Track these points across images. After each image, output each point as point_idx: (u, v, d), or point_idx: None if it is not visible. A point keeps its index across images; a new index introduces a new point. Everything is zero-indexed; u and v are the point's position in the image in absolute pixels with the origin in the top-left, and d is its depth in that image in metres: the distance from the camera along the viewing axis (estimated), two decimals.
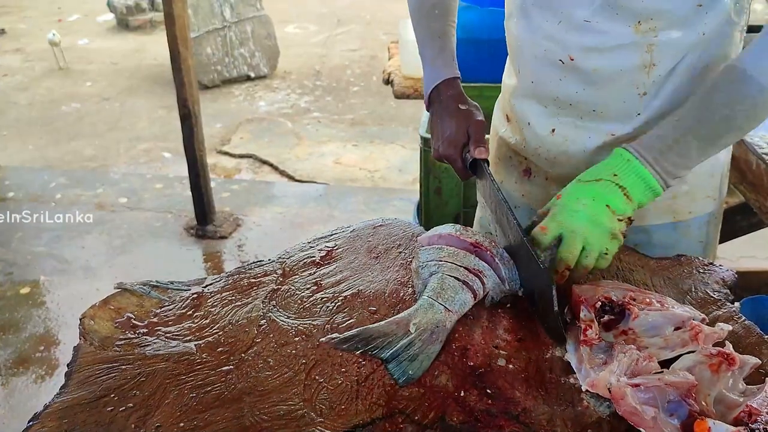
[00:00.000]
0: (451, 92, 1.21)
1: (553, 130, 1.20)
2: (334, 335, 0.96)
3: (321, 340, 0.96)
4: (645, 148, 1.01)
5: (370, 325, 0.96)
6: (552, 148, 1.21)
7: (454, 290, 0.99)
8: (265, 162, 4.71)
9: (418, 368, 0.90)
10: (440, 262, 1.03)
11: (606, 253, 1.01)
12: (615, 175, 1.00)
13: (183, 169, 3.69)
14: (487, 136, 1.20)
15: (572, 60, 1.10)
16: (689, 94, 1.06)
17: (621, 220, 1.00)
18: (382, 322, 0.97)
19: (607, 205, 0.99)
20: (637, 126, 1.13)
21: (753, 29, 2.53)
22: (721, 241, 2.61)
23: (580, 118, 1.16)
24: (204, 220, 3.66)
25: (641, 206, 1.02)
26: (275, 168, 4.63)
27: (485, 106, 1.27)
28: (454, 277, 1.00)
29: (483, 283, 1.01)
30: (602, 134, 1.16)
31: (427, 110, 1.28)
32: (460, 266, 1.02)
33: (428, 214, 2.44)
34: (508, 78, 1.29)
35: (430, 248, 1.07)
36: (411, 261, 1.14)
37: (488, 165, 1.16)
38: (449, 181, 2.31)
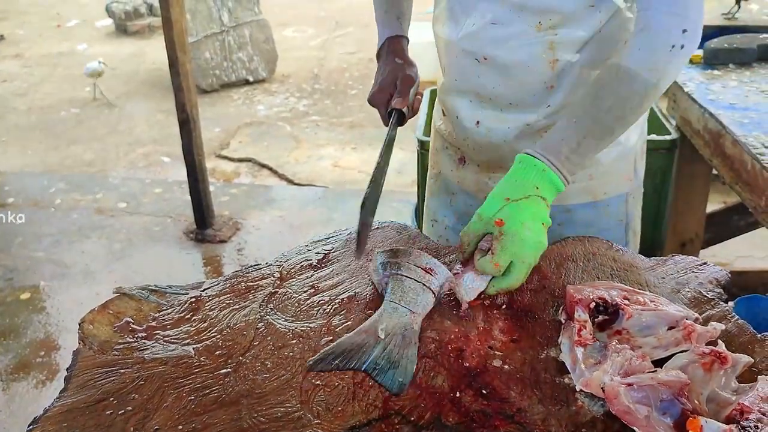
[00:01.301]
0: (391, 48, 1.36)
1: (478, 123, 1.29)
2: (309, 360, 0.94)
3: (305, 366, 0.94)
4: (553, 154, 1.05)
5: (340, 340, 0.96)
6: (478, 138, 1.30)
7: (415, 292, 1.00)
8: (264, 166, 4.73)
9: (405, 373, 0.90)
10: (396, 262, 1.05)
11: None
12: (537, 188, 1.03)
13: (182, 174, 3.70)
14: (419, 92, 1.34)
15: (486, 59, 1.21)
16: (590, 84, 1.12)
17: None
18: (351, 334, 0.97)
19: (542, 223, 1.03)
20: (547, 115, 1.22)
21: (748, 29, 2.53)
22: (718, 241, 2.64)
23: (500, 111, 1.25)
24: (203, 224, 3.67)
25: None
26: (274, 171, 4.64)
27: None
28: (413, 279, 1.02)
29: (436, 280, 1.03)
30: (520, 124, 1.25)
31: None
32: (416, 266, 1.03)
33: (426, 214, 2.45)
34: (440, 76, 1.40)
35: (387, 249, 1.10)
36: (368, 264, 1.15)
37: (402, 117, 1.28)
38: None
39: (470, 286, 1.03)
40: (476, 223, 1.04)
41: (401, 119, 1.29)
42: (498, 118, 1.26)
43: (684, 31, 1.02)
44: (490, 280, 1.03)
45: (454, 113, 1.33)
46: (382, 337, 0.94)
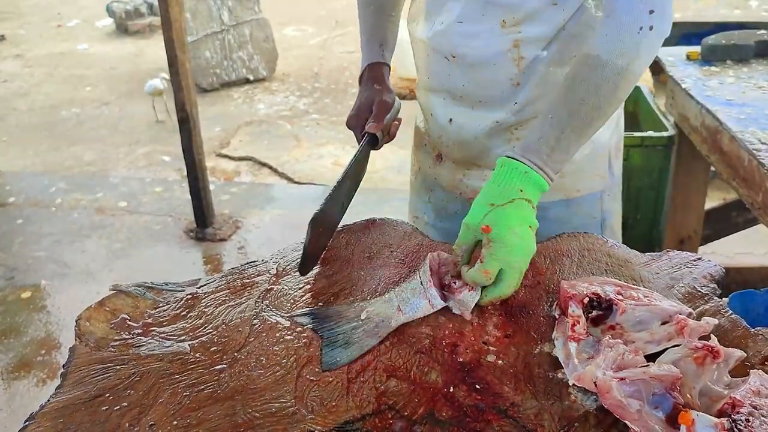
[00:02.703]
0: (371, 74, 1.38)
1: (450, 120, 1.31)
2: (296, 312, 1.00)
3: (287, 315, 1.01)
4: (534, 154, 1.03)
5: (337, 305, 1.00)
6: (451, 135, 1.32)
7: (413, 293, 1.00)
8: (264, 164, 4.73)
9: (347, 357, 0.92)
10: (425, 266, 1.04)
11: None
12: (521, 191, 1.01)
13: (182, 173, 3.70)
14: (398, 116, 1.36)
15: (454, 57, 1.23)
16: (558, 82, 1.11)
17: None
18: (343, 304, 1.00)
19: (530, 227, 1.01)
20: (515, 112, 1.24)
21: (746, 26, 2.53)
22: (717, 238, 2.64)
23: (471, 108, 1.27)
24: (203, 223, 3.68)
25: None
26: (274, 170, 4.65)
27: None
28: (420, 282, 1.01)
29: (445, 299, 1.01)
30: (489, 122, 1.26)
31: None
32: (432, 275, 1.02)
33: None
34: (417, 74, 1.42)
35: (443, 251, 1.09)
36: (403, 260, 1.16)
37: (376, 140, 1.30)
38: None
39: (464, 299, 1.00)
40: (465, 233, 1.02)
41: (374, 142, 1.31)
42: (469, 116, 1.27)
43: (651, 11, 1.00)
44: (483, 290, 1.00)
45: (429, 111, 1.35)
46: (362, 318, 0.97)
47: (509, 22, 1.16)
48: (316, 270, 1.15)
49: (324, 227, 1.16)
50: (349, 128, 1.37)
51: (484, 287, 1.00)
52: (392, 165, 4.54)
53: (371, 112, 1.33)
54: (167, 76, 4.80)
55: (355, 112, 1.35)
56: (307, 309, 1.00)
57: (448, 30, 1.22)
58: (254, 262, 1.18)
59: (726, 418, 0.77)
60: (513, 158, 1.03)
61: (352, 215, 1.26)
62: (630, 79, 1.05)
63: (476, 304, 1.00)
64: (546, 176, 1.04)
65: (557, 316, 1.00)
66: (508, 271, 0.99)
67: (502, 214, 1.00)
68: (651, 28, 1.01)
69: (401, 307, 0.99)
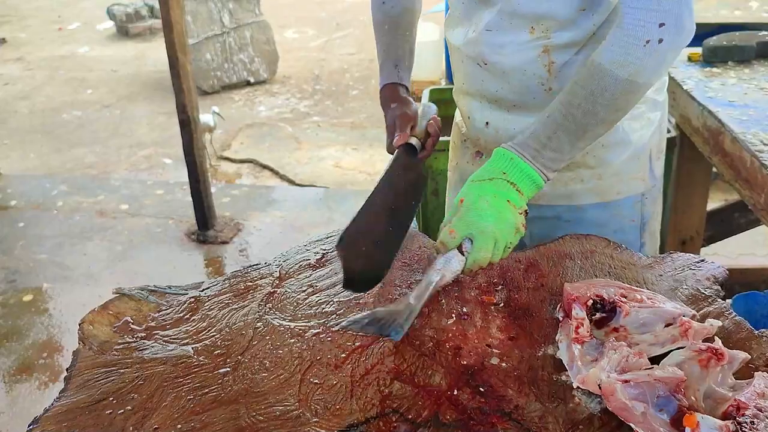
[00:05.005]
0: (386, 95, 1.38)
1: (487, 123, 1.31)
2: (345, 321, 1.01)
3: (335, 328, 1.01)
4: (522, 147, 1.07)
5: (376, 309, 1.00)
6: (488, 138, 1.32)
7: (446, 259, 1.03)
8: (265, 167, 4.73)
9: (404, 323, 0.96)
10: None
11: (509, 247, 1.05)
12: (504, 173, 1.05)
13: (184, 175, 3.71)
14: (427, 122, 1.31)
15: (486, 64, 1.23)
16: None
17: (521, 214, 1.05)
18: (391, 306, 1.00)
19: (507, 200, 1.04)
20: None
21: (747, 27, 2.53)
22: (720, 239, 2.63)
23: (506, 112, 1.27)
24: (205, 226, 3.68)
25: (529, 199, 1.07)
26: (275, 172, 4.65)
27: None
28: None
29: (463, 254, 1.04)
30: (524, 124, 1.23)
31: None
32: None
33: (426, 215, 2.46)
34: (438, 74, 1.42)
35: None
36: (406, 262, 1.16)
37: (414, 150, 1.26)
38: (446, 184, 2.32)
39: (446, 267, 1.03)
40: (448, 212, 1.07)
41: (413, 151, 1.26)
42: (505, 119, 1.27)
43: (661, 25, 0.99)
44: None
45: (467, 114, 1.36)
46: (413, 302, 0.98)
47: (538, 30, 1.15)
48: (317, 273, 1.15)
49: (354, 248, 1.08)
50: (389, 154, 1.31)
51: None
52: None
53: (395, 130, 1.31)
54: (218, 110, 4.68)
55: (387, 138, 1.32)
56: (357, 319, 0.98)
57: (479, 38, 1.22)
58: (257, 264, 1.18)
59: (731, 421, 0.77)
60: (504, 148, 1.08)
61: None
62: (633, 90, 1.03)
63: (461, 273, 1.04)
64: (538, 170, 1.06)
65: (561, 319, 1.00)
66: (479, 237, 1.02)
67: (477, 186, 1.05)
68: (660, 41, 1.00)
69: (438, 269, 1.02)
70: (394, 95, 1.36)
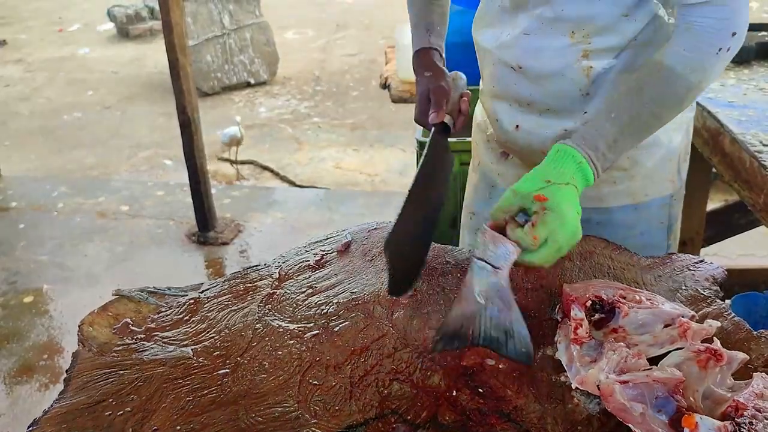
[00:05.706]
0: (419, 61, 1.35)
1: (517, 126, 1.28)
2: (430, 346, 0.96)
3: (429, 355, 0.95)
4: (591, 148, 1.02)
5: (445, 319, 0.96)
6: (518, 141, 1.29)
7: (494, 242, 0.95)
8: (265, 168, 4.74)
9: (522, 340, 0.91)
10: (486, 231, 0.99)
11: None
12: (573, 178, 1.01)
13: (184, 176, 3.71)
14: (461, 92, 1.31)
15: (521, 68, 1.21)
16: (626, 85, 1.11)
17: None
18: (451, 312, 0.95)
19: (577, 212, 1.00)
20: (586, 120, 1.18)
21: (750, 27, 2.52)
22: (719, 239, 2.63)
23: (539, 115, 1.24)
24: (205, 227, 3.68)
25: None
26: (276, 173, 4.65)
27: None
28: (489, 230, 0.97)
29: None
30: (558, 129, 1.23)
31: None
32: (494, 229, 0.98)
33: None
34: (481, 80, 1.40)
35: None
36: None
37: (447, 128, 1.25)
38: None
39: (500, 252, 0.95)
40: (510, 199, 0.98)
41: (447, 130, 1.26)
42: (537, 123, 1.25)
43: (734, 34, 1.01)
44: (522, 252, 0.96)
45: (494, 116, 1.33)
46: (482, 301, 0.93)
47: (578, 35, 1.14)
48: (316, 275, 1.15)
49: (400, 250, 1.08)
50: (417, 124, 1.33)
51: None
52: (394, 168, 4.55)
53: (429, 102, 1.28)
54: (239, 119, 4.62)
55: (417, 108, 1.31)
56: (434, 339, 0.95)
57: (514, 42, 1.20)
58: (257, 266, 1.18)
59: (729, 421, 0.77)
60: (571, 146, 1.03)
61: (354, 220, 1.26)
62: (696, 95, 1.05)
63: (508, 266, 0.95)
64: (595, 172, 1.03)
65: (560, 320, 1.00)
66: (549, 244, 0.95)
67: (559, 191, 0.98)
68: (729, 49, 1.01)
69: (495, 265, 0.93)
70: (428, 62, 1.33)
